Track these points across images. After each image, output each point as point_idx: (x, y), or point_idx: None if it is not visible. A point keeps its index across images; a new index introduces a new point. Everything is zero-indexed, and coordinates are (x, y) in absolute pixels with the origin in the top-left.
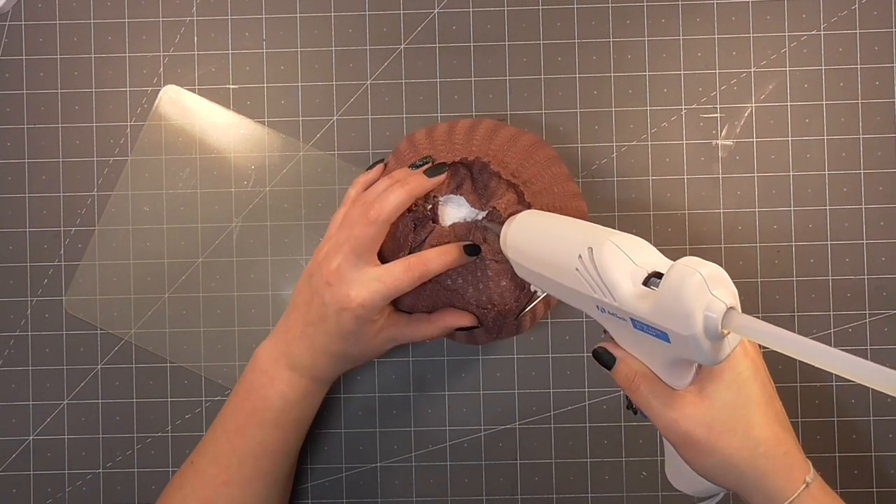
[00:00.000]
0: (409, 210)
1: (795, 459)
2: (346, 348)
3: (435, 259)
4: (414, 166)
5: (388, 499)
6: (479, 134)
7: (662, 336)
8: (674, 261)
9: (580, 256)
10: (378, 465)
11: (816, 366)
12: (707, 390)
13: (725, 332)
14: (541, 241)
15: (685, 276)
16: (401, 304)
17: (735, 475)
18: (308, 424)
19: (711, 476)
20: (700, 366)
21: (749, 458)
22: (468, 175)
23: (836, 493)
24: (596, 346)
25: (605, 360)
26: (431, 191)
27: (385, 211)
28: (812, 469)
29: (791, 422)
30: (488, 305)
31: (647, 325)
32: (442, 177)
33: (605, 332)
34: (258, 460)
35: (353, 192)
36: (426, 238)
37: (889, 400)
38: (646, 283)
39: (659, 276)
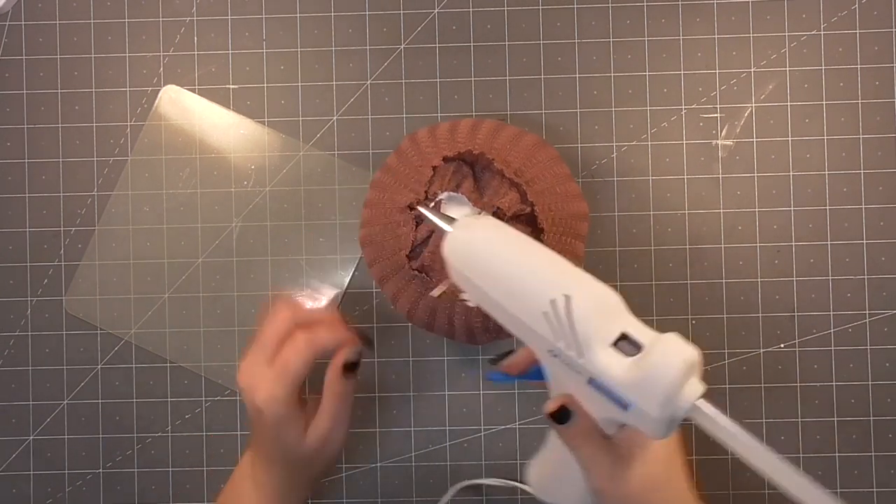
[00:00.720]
0: (409, 208)
1: None
2: (283, 458)
3: (326, 337)
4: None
5: (388, 499)
6: (481, 133)
7: (620, 402)
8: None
9: (552, 301)
10: (378, 465)
11: (761, 471)
12: (643, 468)
13: (686, 419)
14: (503, 263)
15: (671, 361)
16: (400, 308)
17: None
18: None
19: None
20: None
21: None
22: (470, 173)
23: (836, 493)
24: (556, 403)
25: (562, 417)
26: (432, 191)
27: (289, 316)
28: None
29: (791, 422)
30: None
31: (608, 390)
32: (353, 355)
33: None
34: None
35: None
36: (428, 236)
37: (889, 400)
38: (615, 344)
39: (627, 338)
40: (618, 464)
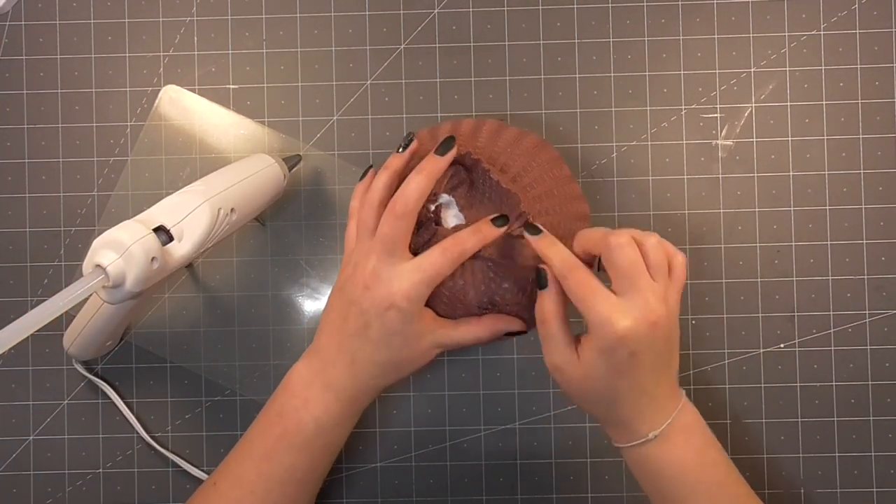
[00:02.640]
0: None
1: (651, 415)
2: (392, 355)
3: (470, 238)
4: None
5: (388, 499)
6: (483, 135)
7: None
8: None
9: None
10: (378, 465)
11: None
12: (589, 365)
13: None
14: None
15: None
16: None
17: (594, 417)
18: (337, 452)
19: (579, 408)
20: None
21: (604, 417)
22: (467, 179)
23: (836, 493)
24: (540, 267)
25: (540, 280)
26: (433, 190)
27: (411, 201)
28: (667, 422)
29: (791, 422)
30: (489, 307)
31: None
32: (453, 151)
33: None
34: (284, 486)
35: (355, 203)
36: (430, 239)
37: (889, 400)
38: None
39: None
40: (569, 355)
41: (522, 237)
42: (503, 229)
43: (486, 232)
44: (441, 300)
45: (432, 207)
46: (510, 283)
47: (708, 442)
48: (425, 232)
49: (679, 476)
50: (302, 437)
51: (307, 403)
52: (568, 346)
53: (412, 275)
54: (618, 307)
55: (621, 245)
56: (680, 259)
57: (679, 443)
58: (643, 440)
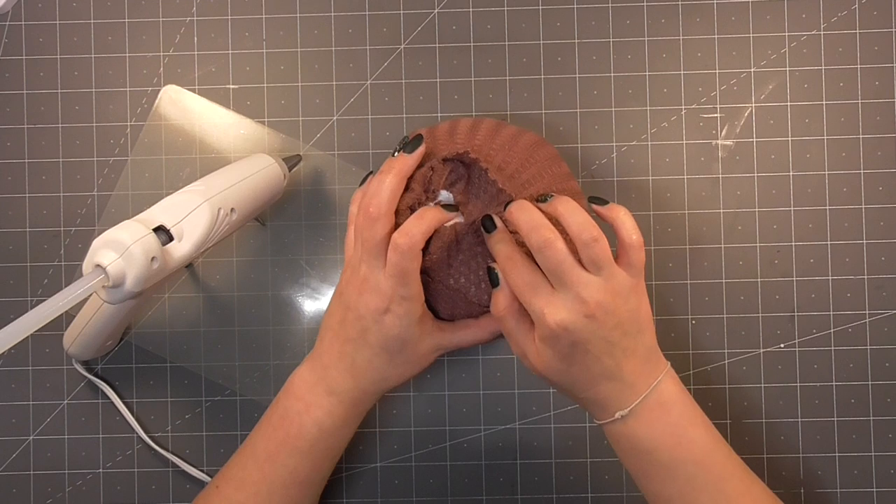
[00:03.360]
0: (410, 209)
1: (617, 395)
2: (391, 359)
3: (416, 224)
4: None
5: (388, 499)
6: (480, 133)
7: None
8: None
9: None
10: (378, 465)
11: None
12: (541, 354)
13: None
14: None
15: None
16: None
17: (567, 398)
18: (339, 455)
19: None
20: None
21: (573, 398)
22: (465, 176)
23: (836, 493)
24: (490, 264)
25: (492, 279)
26: (432, 186)
27: (383, 202)
28: (637, 401)
29: (791, 422)
30: (489, 305)
31: None
32: (421, 148)
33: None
34: (288, 489)
35: (353, 207)
36: (429, 238)
37: (889, 400)
38: None
39: None
40: (529, 346)
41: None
42: (453, 214)
43: (431, 216)
44: (443, 298)
45: (431, 205)
46: None
47: (689, 420)
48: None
49: (652, 453)
50: (304, 441)
51: (310, 407)
52: (526, 337)
53: (399, 281)
54: (551, 301)
55: (545, 245)
56: (633, 243)
57: (651, 421)
58: (611, 419)
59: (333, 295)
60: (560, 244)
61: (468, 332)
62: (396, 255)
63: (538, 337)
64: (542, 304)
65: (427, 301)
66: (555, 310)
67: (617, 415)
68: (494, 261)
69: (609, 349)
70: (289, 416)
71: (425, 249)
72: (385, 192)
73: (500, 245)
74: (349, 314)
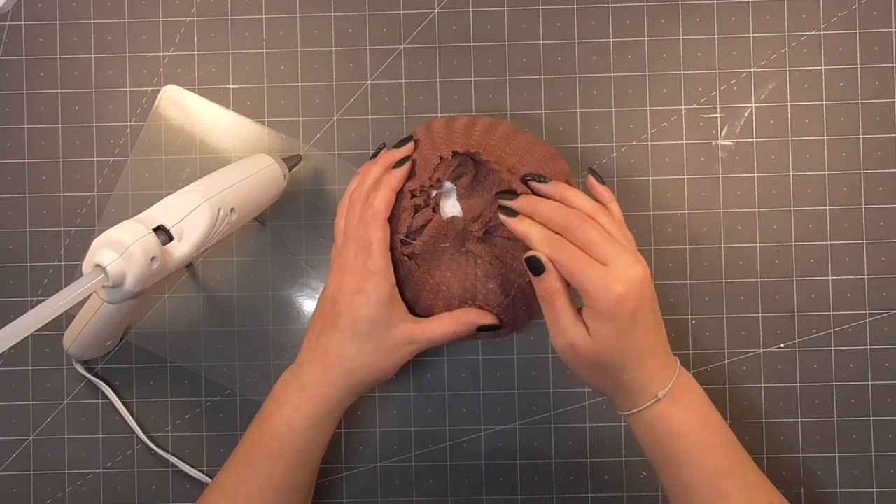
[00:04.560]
0: (412, 195)
1: (656, 377)
2: (362, 345)
3: (382, 194)
4: (374, 156)
5: (388, 499)
6: (477, 130)
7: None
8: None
9: None
10: (378, 465)
11: None
12: (596, 333)
13: None
14: None
15: None
16: None
17: (602, 389)
18: (316, 459)
19: (587, 384)
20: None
21: (615, 385)
22: (472, 171)
23: (836, 493)
24: (530, 254)
25: (535, 267)
26: (435, 178)
27: (379, 213)
28: (671, 383)
29: (791, 422)
30: (468, 303)
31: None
32: (407, 166)
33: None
34: (264, 494)
35: (352, 186)
36: (424, 225)
37: (889, 400)
38: None
39: None
40: (578, 329)
41: (510, 239)
42: (405, 166)
43: (390, 181)
44: (424, 289)
45: (433, 193)
46: (495, 284)
47: (709, 406)
48: (421, 216)
49: (686, 435)
50: (275, 442)
51: (281, 407)
52: (578, 321)
53: (363, 256)
54: (610, 273)
55: (581, 223)
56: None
57: (684, 402)
58: (653, 401)
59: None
60: (592, 221)
61: (441, 324)
62: (364, 227)
63: (599, 315)
64: (602, 277)
65: (405, 295)
66: (615, 280)
67: (659, 394)
68: (492, 264)
69: (652, 320)
70: (263, 418)
71: (417, 234)
72: (381, 205)
73: (535, 227)
74: (326, 304)
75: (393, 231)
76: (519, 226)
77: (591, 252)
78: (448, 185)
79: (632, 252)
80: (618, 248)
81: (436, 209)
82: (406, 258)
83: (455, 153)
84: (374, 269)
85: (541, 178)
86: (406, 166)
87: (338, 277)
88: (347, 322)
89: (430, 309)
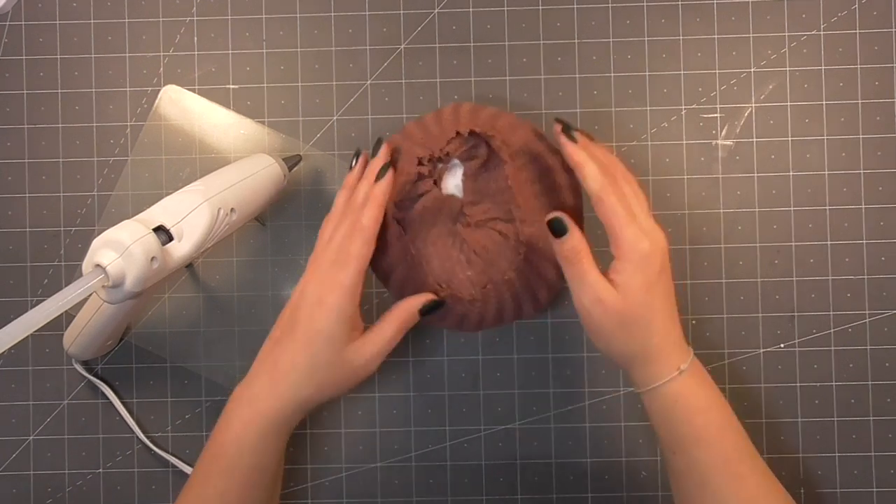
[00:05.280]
0: (419, 162)
1: (678, 349)
2: (313, 360)
3: (368, 212)
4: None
5: (388, 499)
6: (482, 115)
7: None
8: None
9: None
10: (378, 465)
11: None
12: (625, 284)
13: None
14: None
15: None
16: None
17: (625, 358)
18: (270, 474)
19: (605, 351)
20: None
21: (641, 348)
22: (485, 154)
23: (836, 493)
24: (553, 216)
25: (558, 228)
26: (444, 151)
27: (367, 227)
28: (691, 358)
29: (791, 422)
30: (442, 284)
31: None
32: (389, 175)
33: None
34: None
35: (340, 199)
36: (422, 195)
37: (889, 400)
38: None
39: None
40: (603, 286)
41: (502, 234)
42: (387, 180)
43: (376, 195)
44: (403, 257)
45: (439, 166)
46: (474, 273)
47: (720, 392)
48: (422, 184)
49: (707, 412)
50: (226, 460)
51: (230, 423)
52: (602, 277)
53: (335, 269)
54: (643, 229)
55: (625, 182)
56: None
57: (702, 380)
58: (676, 373)
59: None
60: (631, 182)
61: (383, 326)
62: (348, 240)
63: (623, 268)
64: (635, 230)
65: (383, 261)
66: (646, 236)
67: (682, 366)
68: (478, 254)
69: (671, 285)
70: (215, 435)
71: (414, 202)
72: (370, 221)
73: (591, 166)
74: (286, 311)
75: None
76: (578, 154)
77: (630, 210)
78: (456, 162)
79: (654, 221)
80: (647, 212)
81: (437, 182)
82: (395, 221)
83: (472, 132)
84: (345, 284)
85: (572, 128)
86: (388, 176)
87: (304, 285)
88: (303, 334)
89: (403, 279)
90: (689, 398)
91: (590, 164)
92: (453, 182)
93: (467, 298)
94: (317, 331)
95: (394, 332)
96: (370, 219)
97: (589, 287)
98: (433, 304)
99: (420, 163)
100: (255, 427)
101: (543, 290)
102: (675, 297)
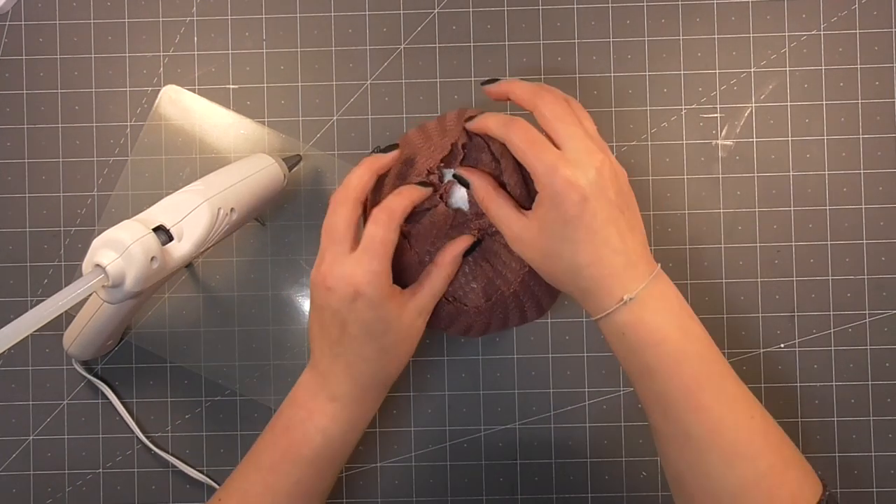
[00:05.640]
0: (428, 172)
1: (623, 278)
2: (379, 344)
3: (396, 201)
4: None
5: (388, 499)
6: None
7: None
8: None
9: None
10: (378, 465)
11: None
12: (542, 220)
13: None
14: None
15: None
16: None
17: (564, 288)
18: (343, 464)
19: (549, 282)
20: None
21: (572, 279)
22: (491, 166)
23: (836, 492)
24: (456, 171)
25: (462, 182)
26: (453, 153)
27: (350, 189)
28: (642, 286)
29: (791, 422)
30: (449, 298)
31: None
32: (396, 151)
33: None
34: (292, 500)
35: (354, 177)
36: (428, 210)
37: (889, 400)
38: None
39: None
40: (521, 220)
41: (506, 246)
42: (427, 190)
43: (408, 193)
44: (409, 268)
45: (445, 180)
46: (479, 285)
47: (688, 314)
48: (428, 202)
49: (660, 345)
50: (309, 449)
51: (312, 415)
52: (517, 211)
53: (362, 257)
54: (563, 156)
55: (553, 99)
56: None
57: (657, 309)
58: (618, 304)
59: (310, 303)
60: (567, 103)
61: (432, 278)
62: (374, 226)
63: (544, 198)
64: (553, 157)
65: (395, 273)
66: (567, 163)
67: (625, 297)
68: (480, 265)
69: (614, 216)
70: (292, 425)
71: (419, 214)
72: (353, 181)
73: (492, 117)
74: (325, 314)
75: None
76: (482, 119)
77: (554, 129)
78: (455, 173)
79: (596, 142)
80: (581, 133)
81: (443, 197)
82: (401, 235)
83: (469, 137)
84: (374, 274)
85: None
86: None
87: (324, 285)
88: (357, 329)
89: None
90: (638, 330)
91: (489, 118)
92: (460, 196)
93: (473, 310)
94: (369, 321)
95: (443, 281)
96: (398, 205)
97: (505, 225)
98: (473, 245)
99: (429, 172)
100: (343, 420)
101: (547, 297)
102: (633, 219)
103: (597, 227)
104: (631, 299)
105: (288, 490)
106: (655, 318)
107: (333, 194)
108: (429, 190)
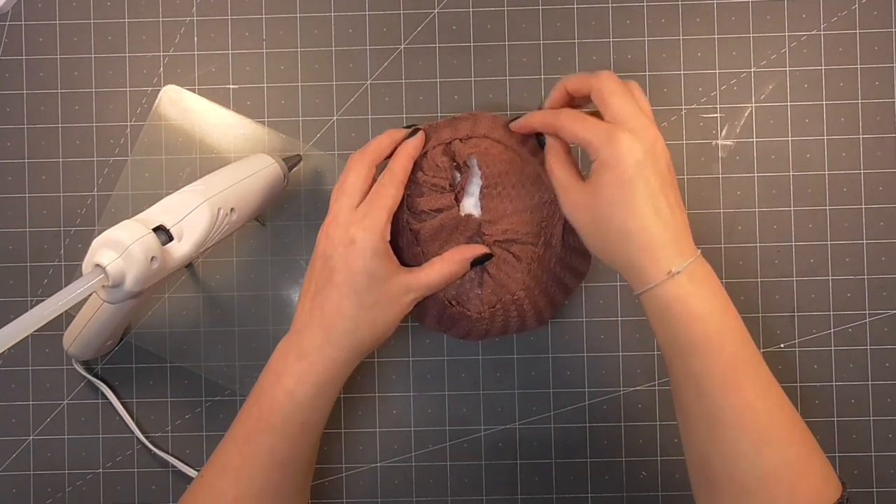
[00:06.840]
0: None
1: (671, 250)
2: (360, 300)
3: (399, 160)
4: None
5: (388, 499)
6: (482, 126)
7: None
8: None
9: None
10: (378, 465)
11: None
12: (596, 184)
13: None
14: None
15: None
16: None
17: (611, 258)
18: (319, 430)
19: (596, 253)
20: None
21: (620, 246)
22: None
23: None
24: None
25: (541, 143)
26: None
27: (367, 151)
28: (690, 261)
29: None
30: (452, 301)
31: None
32: (421, 135)
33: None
34: (268, 471)
35: (376, 139)
36: (439, 210)
37: (889, 400)
38: None
39: None
40: (578, 185)
41: (516, 256)
42: (419, 137)
43: (406, 147)
44: (419, 257)
45: (457, 179)
46: (483, 292)
47: (727, 297)
48: (441, 198)
49: (705, 319)
50: (277, 415)
51: (280, 378)
52: (579, 177)
53: (363, 208)
54: (617, 126)
55: (609, 76)
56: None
57: (702, 286)
58: (666, 276)
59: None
60: (621, 82)
61: (435, 269)
62: (378, 183)
63: (596, 167)
64: (605, 128)
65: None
66: (621, 130)
67: (673, 269)
68: (488, 273)
69: (664, 189)
70: (262, 392)
71: (430, 215)
72: (372, 145)
73: (535, 115)
74: (317, 263)
75: (406, 200)
76: (527, 118)
77: (609, 103)
78: (477, 181)
79: (650, 119)
80: (636, 109)
81: (458, 197)
82: (409, 231)
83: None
84: (372, 222)
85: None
86: (420, 135)
87: (328, 229)
88: (343, 277)
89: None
90: (684, 304)
91: (533, 116)
92: (472, 201)
93: (475, 316)
94: (356, 271)
95: (445, 273)
96: (400, 165)
97: (563, 189)
98: (484, 257)
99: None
100: (310, 380)
101: (549, 309)
102: (679, 200)
103: (649, 193)
104: (679, 272)
105: (262, 461)
106: (700, 295)
107: (352, 155)
108: (420, 137)
